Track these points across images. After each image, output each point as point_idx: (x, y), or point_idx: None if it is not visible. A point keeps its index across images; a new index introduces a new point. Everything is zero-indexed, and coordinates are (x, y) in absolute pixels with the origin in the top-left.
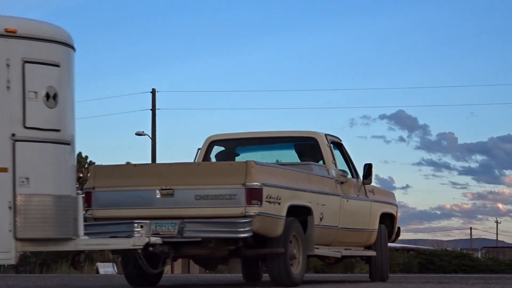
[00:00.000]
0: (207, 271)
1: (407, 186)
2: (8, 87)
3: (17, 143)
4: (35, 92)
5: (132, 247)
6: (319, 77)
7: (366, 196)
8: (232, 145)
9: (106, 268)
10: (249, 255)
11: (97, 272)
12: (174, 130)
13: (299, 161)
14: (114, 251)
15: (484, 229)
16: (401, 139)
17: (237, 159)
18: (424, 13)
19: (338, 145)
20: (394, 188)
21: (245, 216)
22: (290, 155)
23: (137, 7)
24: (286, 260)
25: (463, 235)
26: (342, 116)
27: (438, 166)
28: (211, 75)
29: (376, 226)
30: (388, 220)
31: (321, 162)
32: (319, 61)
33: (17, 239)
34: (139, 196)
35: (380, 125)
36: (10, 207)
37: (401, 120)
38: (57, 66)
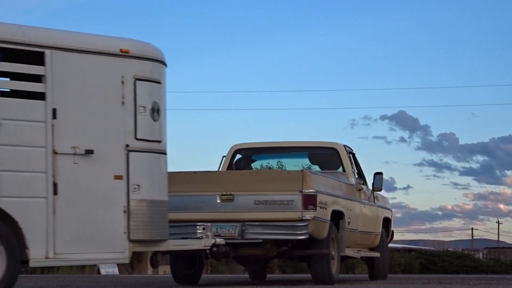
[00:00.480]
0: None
1: (408, 187)
2: (123, 102)
3: (131, 153)
4: (144, 107)
5: (203, 248)
6: (320, 77)
7: (374, 202)
8: (253, 153)
9: (107, 269)
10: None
11: (98, 272)
12: (175, 131)
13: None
14: (179, 251)
15: (486, 230)
16: (402, 139)
17: (254, 165)
18: (425, 14)
19: (352, 155)
20: (396, 188)
21: (302, 220)
22: (304, 163)
23: (138, 8)
24: (329, 260)
25: (464, 235)
26: (343, 117)
27: (439, 166)
28: (213, 76)
29: (380, 229)
30: (385, 223)
31: (339, 170)
32: (320, 62)
33: (130, 240)
34: (201, 201)
35: (381, 125)
36: (124, 211)
37: (402, 120)
38: (159, 83)
